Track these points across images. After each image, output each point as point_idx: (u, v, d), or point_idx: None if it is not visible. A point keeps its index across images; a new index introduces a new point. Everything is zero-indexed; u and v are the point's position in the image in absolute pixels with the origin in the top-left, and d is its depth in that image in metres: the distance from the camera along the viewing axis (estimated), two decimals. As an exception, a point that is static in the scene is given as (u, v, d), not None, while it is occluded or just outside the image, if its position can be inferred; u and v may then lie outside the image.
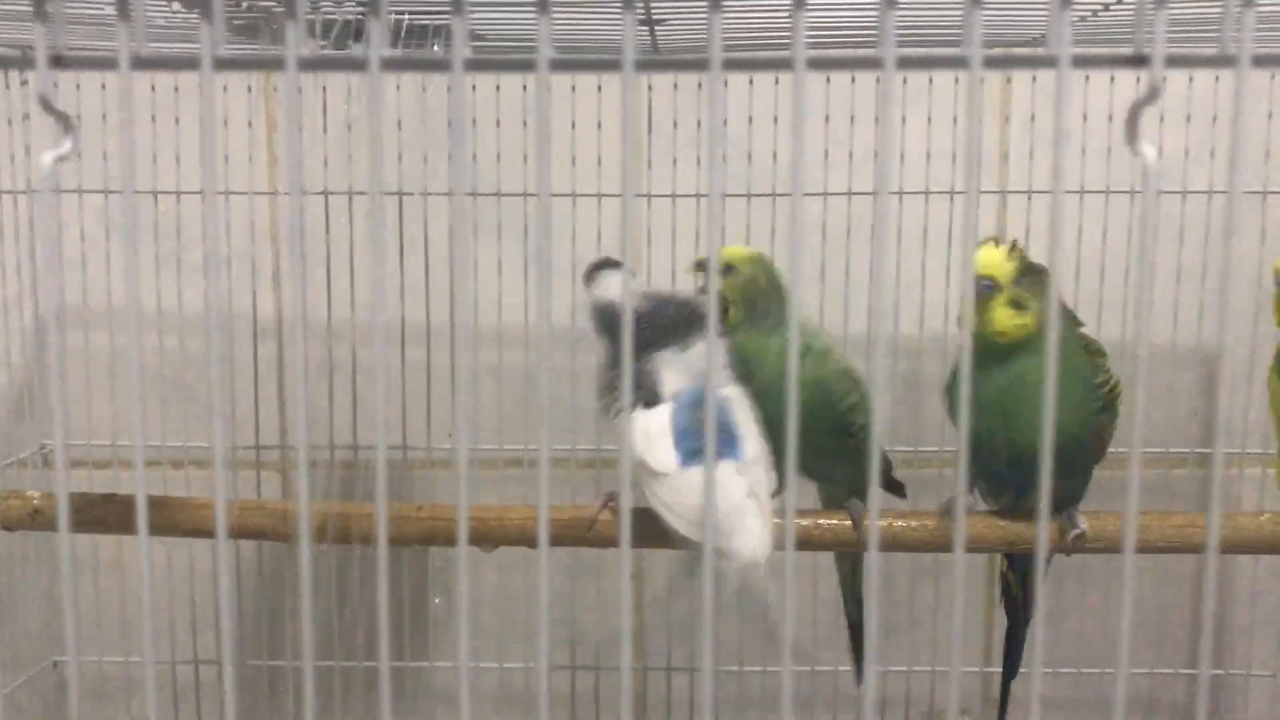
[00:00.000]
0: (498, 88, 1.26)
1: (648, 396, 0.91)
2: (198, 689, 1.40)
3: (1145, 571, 1.32)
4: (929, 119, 1.26)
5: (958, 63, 0.40)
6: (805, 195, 1.26)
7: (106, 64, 0.43)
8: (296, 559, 0.47)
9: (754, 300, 1.09)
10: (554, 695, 1.39)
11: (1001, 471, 1.03)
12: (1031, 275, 0.99)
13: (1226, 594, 1.38)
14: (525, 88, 1.26)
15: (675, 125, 1.30)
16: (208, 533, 1.05)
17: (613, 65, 0.41)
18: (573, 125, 1.26)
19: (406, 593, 1.35)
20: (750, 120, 1.28)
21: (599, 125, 1.27)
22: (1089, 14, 0.85)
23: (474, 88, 1.26)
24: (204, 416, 1.34)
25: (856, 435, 1.09)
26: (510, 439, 1.34)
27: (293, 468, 1.38)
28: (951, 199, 1.29)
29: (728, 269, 1.09)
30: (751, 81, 1.26)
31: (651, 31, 1.03)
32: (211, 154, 0.45)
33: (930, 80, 1.26)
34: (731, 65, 0.42)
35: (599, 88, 1.26)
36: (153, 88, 1.26)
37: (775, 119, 1.26)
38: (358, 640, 1.28)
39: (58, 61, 0.44)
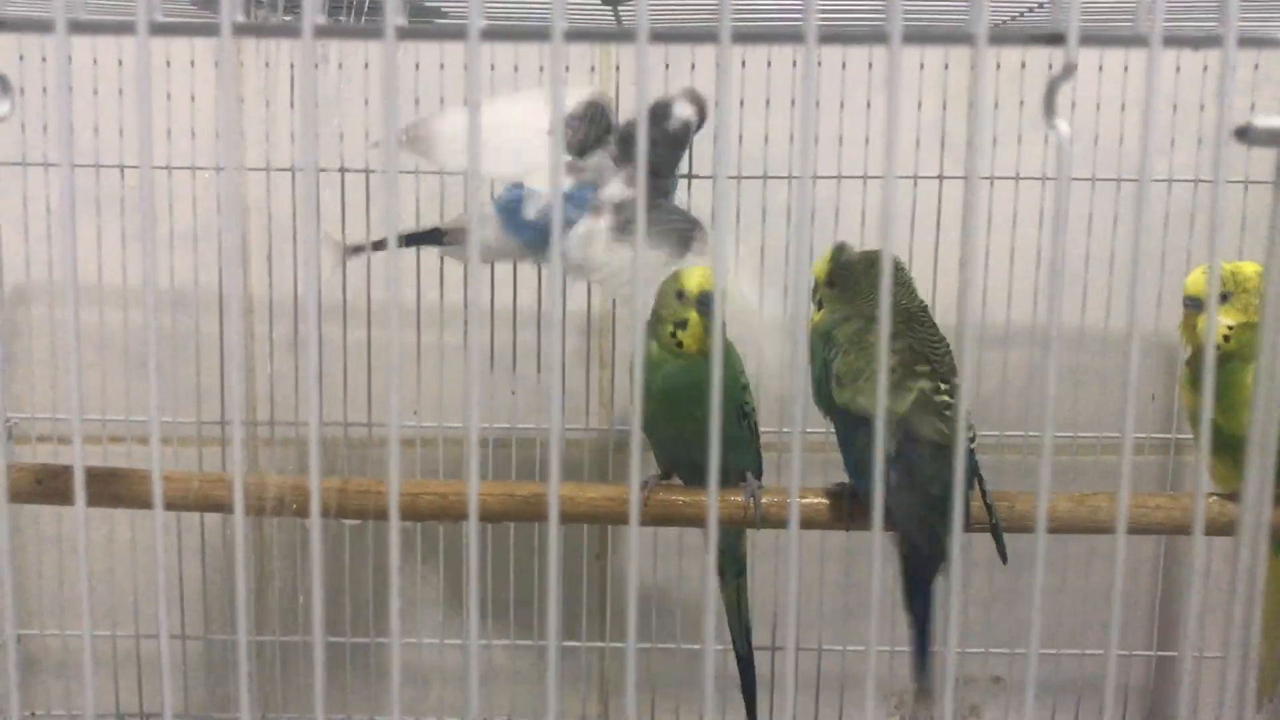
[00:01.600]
0: (442, 66, 1.26)
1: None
2: (140, 662, 1.40)
3: (1101, 556, 1.33)
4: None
5: (877, 38, 0.40)
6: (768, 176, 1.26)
7: (42, 27, 0.43)
8: (250, 534, 0.47)
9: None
10: (499, 671, 1.41)
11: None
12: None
13: (1179, 577, 1.40)
14: (493, 67, 1.26)
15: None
16: (151, 504, 1.05)
17: (542, 35, 0.41)
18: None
19: (370, 569, 1.35)
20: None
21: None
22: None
23: (416, 67, 1.26)
24: (173, 392, 1.34)
25: (750, 416, 1.13)
26: (450, 418, 1.35)
27: (262, 443, 1.38)
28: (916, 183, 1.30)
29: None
30: (744, 63, 1.26)
31: (615, 10, 1.03)
32: (149, 125, 0.45)
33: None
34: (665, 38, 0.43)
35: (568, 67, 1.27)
36: (94, 60, 1.24)
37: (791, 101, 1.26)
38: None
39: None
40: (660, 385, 1.07)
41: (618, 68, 1.31)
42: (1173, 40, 0.39)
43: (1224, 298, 1.05)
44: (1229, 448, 1.06)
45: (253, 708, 1.33)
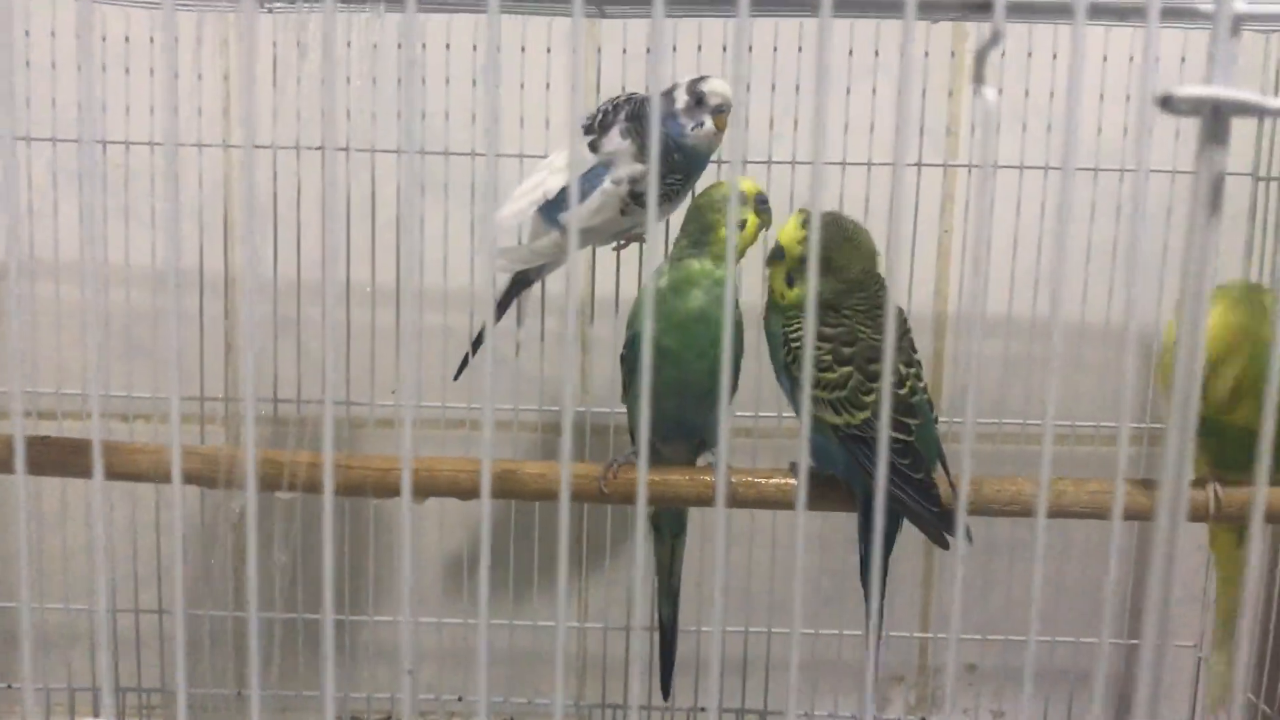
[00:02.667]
0: (447, 46, 1.27)
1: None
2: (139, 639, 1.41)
3: (1078, 544, 1.34)
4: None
5: (809, 6, 0.41)
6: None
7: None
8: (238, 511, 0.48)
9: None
10: (494, 651, 1.41)
11: None
12: None
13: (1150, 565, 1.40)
14: (475, 48, 1.26)
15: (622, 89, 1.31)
16: (140, 477, 1.06)
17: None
18: (521, 86, 1.27)
19: (347, 547, 1.36)
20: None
21: (547, 86, 1.28)
22: None
23: (424, 46, 1.27)
24: (151, 369, 1.35)
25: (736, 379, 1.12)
26: (454, 399, 1.36)
27: (239, 422, 1.39)
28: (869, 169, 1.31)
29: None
30: (700, 47, 1.27)
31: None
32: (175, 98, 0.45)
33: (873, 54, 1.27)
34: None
35: (548, 49, 1.28)
36: (103, 37, 1.27)
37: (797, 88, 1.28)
38: (298, 593, 1.30)
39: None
40: (695, 305, 1.05)
41: (600, 49, 1.32)
42: (1099, 9, 0.40)
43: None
44: (1209, 431, 1.06)
45: (229, 683, 1.34)
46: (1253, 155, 1.31)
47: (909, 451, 1.01)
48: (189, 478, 1.08)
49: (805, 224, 1.06)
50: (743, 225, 1.08)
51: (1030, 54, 1.25)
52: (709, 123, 1.10)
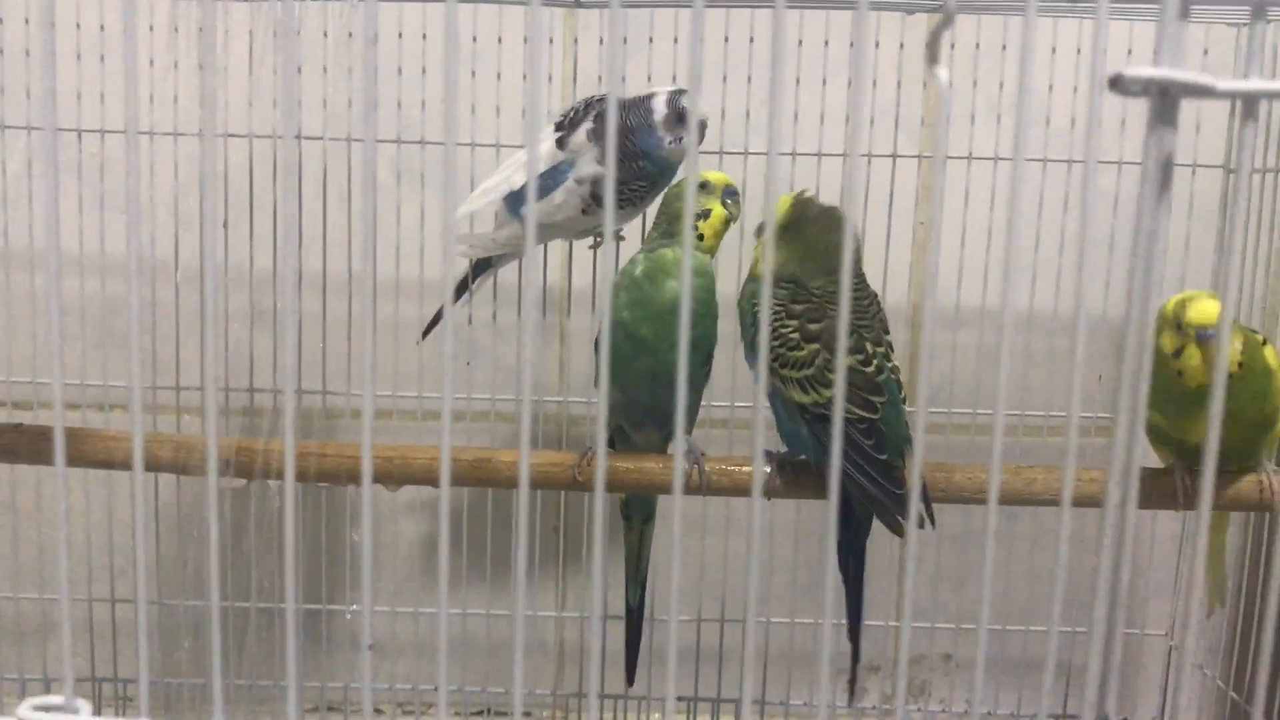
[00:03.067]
0: (424, 36, 1.27)
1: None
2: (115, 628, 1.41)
3: (1049, 533, 1.35)
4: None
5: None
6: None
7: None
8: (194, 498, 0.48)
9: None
10: (471, 640, 1.42)
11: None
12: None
13: (1122, 554, 1.41)
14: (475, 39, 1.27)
15: (599, 79, 1.31)
16: (116, 464, 1.06)
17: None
18: (498, 76, 1.28)
19: (324, 536, 1.36)
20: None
21: (524, 77, 1.28)
22: None
23: (400, 35, 1.27)
24: (125, 359, 1.34)
25: (708, 366, 1.12)
26: (430, 389, 1.36)
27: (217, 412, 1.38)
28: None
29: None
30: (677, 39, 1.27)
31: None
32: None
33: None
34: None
35: (525, 39, 1.28)
36: (77, 25, 1.26)
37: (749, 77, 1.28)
38: (269, 581, 1.30)
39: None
40: (669, 294, 1.05)
41: (576, 40, 1.32)
42: None
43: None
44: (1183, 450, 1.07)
45: (206, 673, 1.34)
46: (1224, 148, 1.32)
47: (873, 431, 0.99)
48: (165, 465, 1.08)
49: (794, 203, 1.06)
50: (707, 215, 1.08)
51: (1004, 46, 1.26)
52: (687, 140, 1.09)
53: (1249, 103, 0.43)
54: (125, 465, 1.06)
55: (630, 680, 1.26)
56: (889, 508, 1.00)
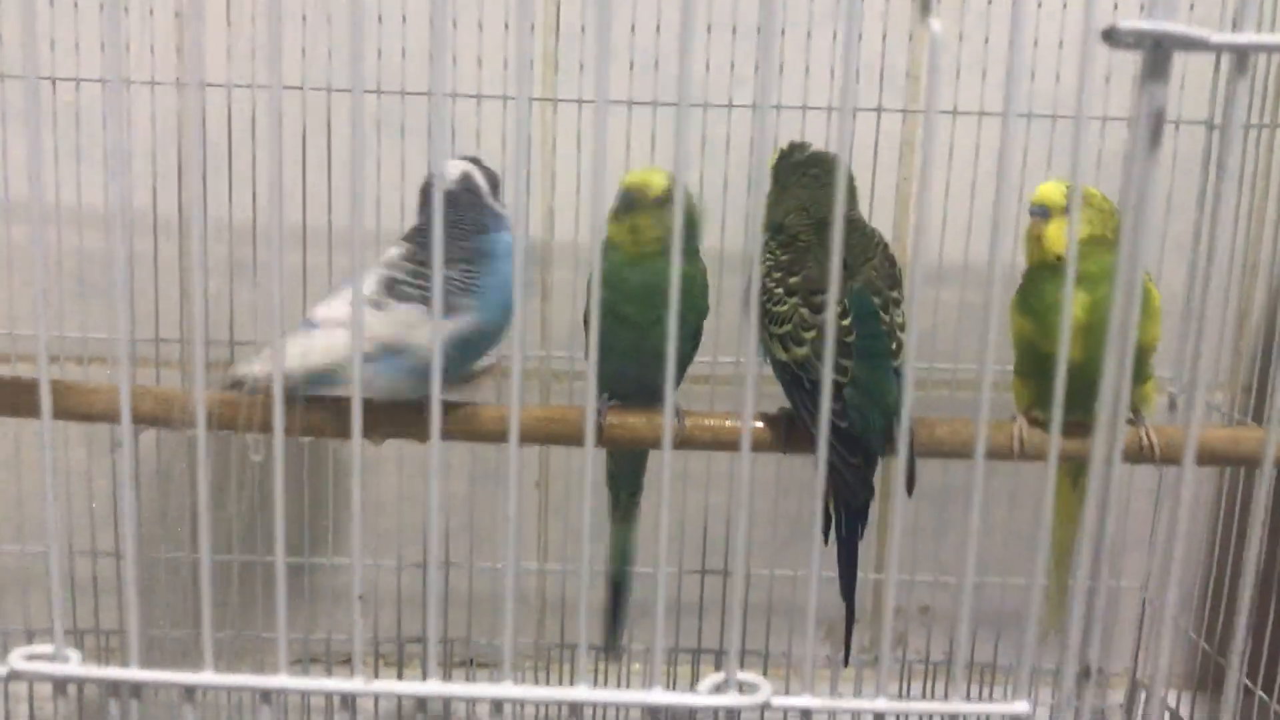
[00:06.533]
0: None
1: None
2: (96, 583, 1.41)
3: (1028, 490, 1.37)
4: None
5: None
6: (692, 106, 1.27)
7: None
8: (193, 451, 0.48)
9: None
10: (453, 593, 1.43)
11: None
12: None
13: (1107, 511, 1.43)
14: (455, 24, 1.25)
15: (583, 30, 1.29)
16: (96, 417, 1.05)
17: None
18: (480, 26, 1.26)
19: (307, 490, 1.36)
20: (658, 29, 1.28)
21: (506, 26, 1.26)
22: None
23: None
24: (106, 311, 1.33)
25: (696, 340, 1.10)
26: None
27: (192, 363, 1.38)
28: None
29: (661, 199, 1.02)
30: None
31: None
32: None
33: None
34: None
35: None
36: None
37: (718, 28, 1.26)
38: (257, 536, 1.30)
39: None
40: (653, 274, 1.01)
41: (557, 28, 1.31)
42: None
43: (1067, 211, 0.99)
44: (1038, 370, 1.05)
45: (188, 626, 1.34)
46: (1208, 104, 1.32)
47: (838, 396, 0.96)
48: (144, 419, 1.07)
49: (780, 152, 1.04)
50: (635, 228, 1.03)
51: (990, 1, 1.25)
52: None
53: (1241, 56, 0.43)
54: (105, 418, 1.05)
55: (611, 645, 1.24)
56: (840, 477, 0.97)
